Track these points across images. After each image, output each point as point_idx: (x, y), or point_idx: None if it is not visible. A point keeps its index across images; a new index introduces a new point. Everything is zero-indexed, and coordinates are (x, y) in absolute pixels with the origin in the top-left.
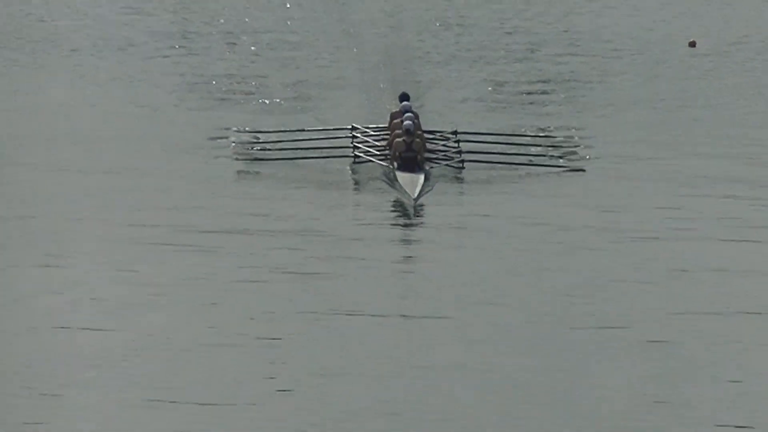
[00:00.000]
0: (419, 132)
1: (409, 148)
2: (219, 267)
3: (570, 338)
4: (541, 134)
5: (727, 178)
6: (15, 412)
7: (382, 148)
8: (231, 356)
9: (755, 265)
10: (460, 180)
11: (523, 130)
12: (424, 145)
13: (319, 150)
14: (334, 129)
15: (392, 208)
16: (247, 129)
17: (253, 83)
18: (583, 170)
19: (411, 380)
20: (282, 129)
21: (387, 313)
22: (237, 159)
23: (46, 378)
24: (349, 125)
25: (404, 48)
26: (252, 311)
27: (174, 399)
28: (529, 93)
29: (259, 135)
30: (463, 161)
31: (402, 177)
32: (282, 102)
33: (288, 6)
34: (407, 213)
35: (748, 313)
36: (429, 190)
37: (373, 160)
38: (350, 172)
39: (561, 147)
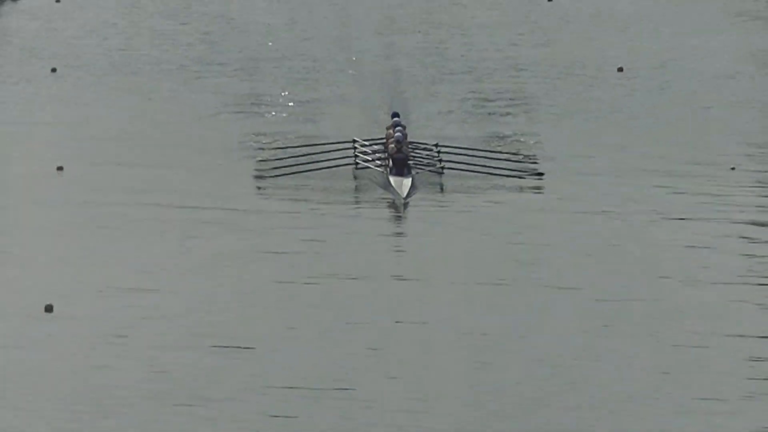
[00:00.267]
0: (407, 141)
1: (399, 151)
2: (249, 243)
3: (530, 299)
4: (503, 147)
5: (650, 171)
6: None
7: (378, 156)
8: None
9: (682, 238)
10: (440, 183)
11: (490, 143)
12: (412, 151)
13: (328, 161)
14: (338, 142)
15: (385, 205)
16: (271, 145)
17: (272, 101)
18: (541, 174)
19: (398, 332)
20: (298, 144)
21: (379, 278)
22: (260, 171)
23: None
24: (351, 139)
25: (395, 72)
26: (276, 275)
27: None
28: (492, 109)
29: (279, 150)
30: (443, 168)
31: (394, 180)
32: (295, 117)
33: (299, 39)
34: (397, 209)
35: (676, 278)
36: (415, 191)
37: (370, 166)
38: (352, 176)
39: (520, 155)
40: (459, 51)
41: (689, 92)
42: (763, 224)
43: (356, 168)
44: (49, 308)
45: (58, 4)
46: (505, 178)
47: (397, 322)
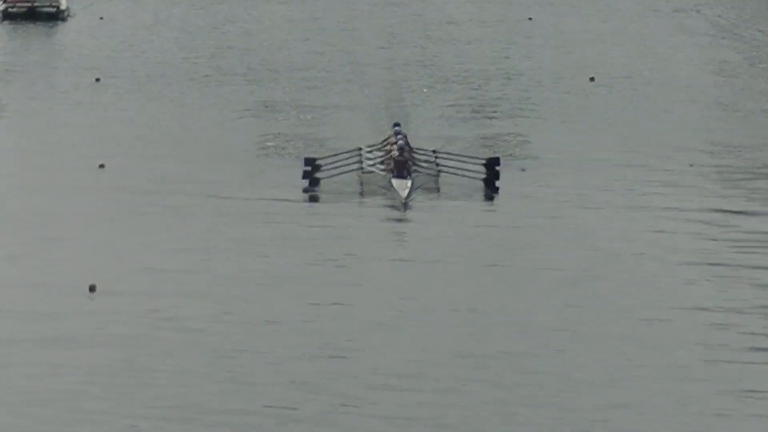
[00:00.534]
0: (408, 148)
1: (401, 156)
2: (269, 233)
3: (516, 281)
4: (491, 149)
5: (619, 167)
6: None
7: (381, 161)
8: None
9: (647, 225)
10: (436, 185)
11: (480, 143)
12: (412, 156)
13: (339, 168)
14: (348, 151)
15: (388, 205)
16: (287, 150)
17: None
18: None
19: (399, 307)
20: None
21: (382, 265)
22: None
23: None
24: (356, 146)
25: (395, 81)
26: (293, 261)
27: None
28: (480, 113)
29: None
30: (439, 171)
31: (395, 182)
32: (307, 120)
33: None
34: (398, 208)
35: (643, 260)
36: (414, 192)
37: (374, 170)
38: (359, 179)
39: (507, 155)
40: (451, 62)
41: (653, 98)
42: (716, 212)
43: (362, 172)
44: (92, 288)
45: (101, 21)
46: (493, 177)
47: (401, 298)
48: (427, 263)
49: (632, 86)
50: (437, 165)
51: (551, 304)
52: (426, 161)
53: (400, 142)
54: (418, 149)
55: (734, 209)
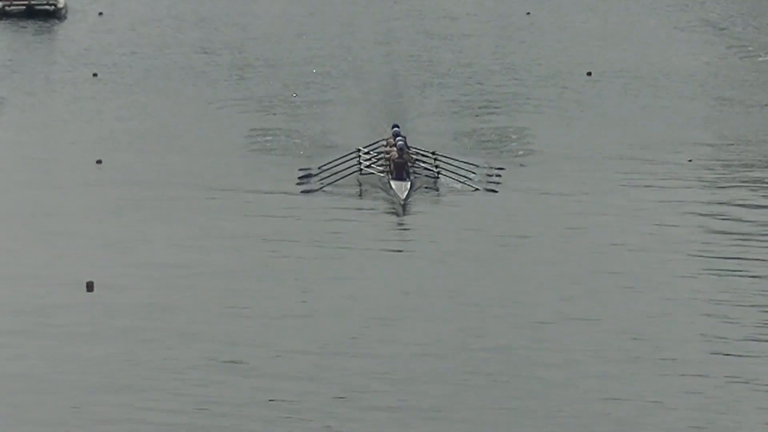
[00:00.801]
0: (407, 149)
1: (400, 158)
2: (269, 229)
3: (514, 274)
4: (489, 146)
5: (617, 161)
6: None
7: (380, 162)
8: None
9: (645, 218)
10: (435, 187)
11: (477, 149)
12: (411, 158)
13: (339, 171)
14: (347, 153)
15: (387, 206)
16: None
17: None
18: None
19: (399, 301)
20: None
21: (380, 264)
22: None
23: None
24: (356, 148)
25: (393, 76)
26: (292, 258)
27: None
28: (478, 107)
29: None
30: (438, 173)
31: (394, 183)
32: (306, 116)
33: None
34: (397, 209)
35: (640, 252)
36: (413, 194)
37: (374, 172)
38: (357, 181)
39: (504, 150)
40: (449, 57)
41: (650, 93)
42: (714, 204)
43: (360, 174)
44: (89, 286)
45: (100, 17)
46: (493, 177)
47: (404, 287)
48: (427, 264)
49: (629, 81)
50: (436, 167)
51: (551, 298)
52: (425, 163)
53: (400, 143)
54: (417, 149)
55: (733, 203)
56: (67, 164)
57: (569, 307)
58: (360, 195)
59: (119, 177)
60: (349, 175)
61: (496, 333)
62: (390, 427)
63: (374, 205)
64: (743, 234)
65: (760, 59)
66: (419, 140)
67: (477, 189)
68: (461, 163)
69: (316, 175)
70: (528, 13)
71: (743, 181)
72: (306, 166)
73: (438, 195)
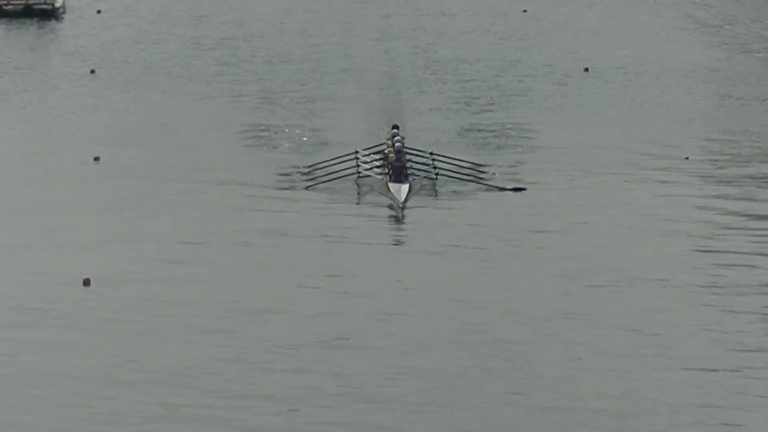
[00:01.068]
0: (405, 150)
1: (398, 160)
2: (265, 227)
3: (515, 273)
4: (487, 144)
5: (613, 157)
6: None
7: (378, 165)
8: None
9: (643, 214)
10: (434, 189)
11: (477, 153)
12: (409, 160)
13: (337, 172)
14: (345, 155)
15: (385, 208)
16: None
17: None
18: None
19: (399, 299)
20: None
21: (379, 267)
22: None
23: None
24: (354, 150)
25: (390, 73)
26: (289, 260)
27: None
28: (475, 103)
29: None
30: (437, 175)
31: (392, 186)
32: (303, 113)
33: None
34: (396, 212)
35: (640, 249)
36: (412, 196)
37: (372, 174)
38: (355, 183)
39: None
40: (446, 54)
41: (647, 90)
42: (711, 199)
43: (359, 176)
44: (86, 282)
45: (98, 15)
46: (491, 175)
47: (404, 290)
48: (427, 263)
49: (626, 77)
50: (435, 168)
51: (549, 293)
52: (424, 164)
53: (398, 144)
54: (415, 149)
55: (731, 198)
56: (64, 161)
57: (568, 302)
58: (358, 197)
59: (117, 173)
60: (346, 176)
61: (496, 329)
62: (389, 421)
63: (372, 208)
64: (742, 229)
65: (758, 55)
66: (416, 136)
67: (477, 188)
68: (458, 161)
69: (313, 171)
70: (525, 11)
71: (741, 177)
72: (305, 163)
73: (436, 197)
